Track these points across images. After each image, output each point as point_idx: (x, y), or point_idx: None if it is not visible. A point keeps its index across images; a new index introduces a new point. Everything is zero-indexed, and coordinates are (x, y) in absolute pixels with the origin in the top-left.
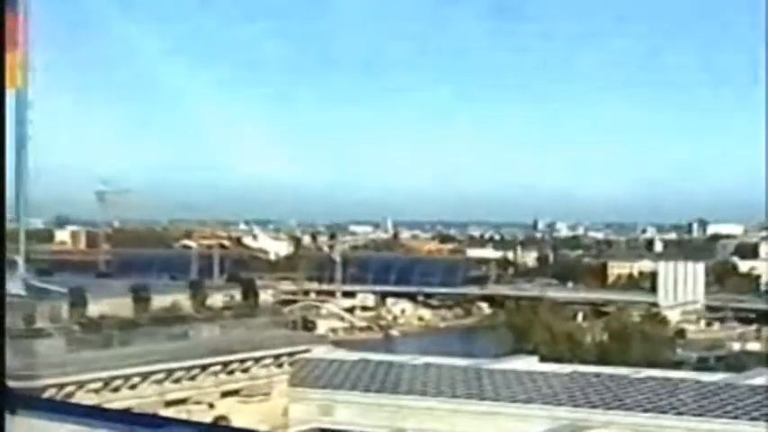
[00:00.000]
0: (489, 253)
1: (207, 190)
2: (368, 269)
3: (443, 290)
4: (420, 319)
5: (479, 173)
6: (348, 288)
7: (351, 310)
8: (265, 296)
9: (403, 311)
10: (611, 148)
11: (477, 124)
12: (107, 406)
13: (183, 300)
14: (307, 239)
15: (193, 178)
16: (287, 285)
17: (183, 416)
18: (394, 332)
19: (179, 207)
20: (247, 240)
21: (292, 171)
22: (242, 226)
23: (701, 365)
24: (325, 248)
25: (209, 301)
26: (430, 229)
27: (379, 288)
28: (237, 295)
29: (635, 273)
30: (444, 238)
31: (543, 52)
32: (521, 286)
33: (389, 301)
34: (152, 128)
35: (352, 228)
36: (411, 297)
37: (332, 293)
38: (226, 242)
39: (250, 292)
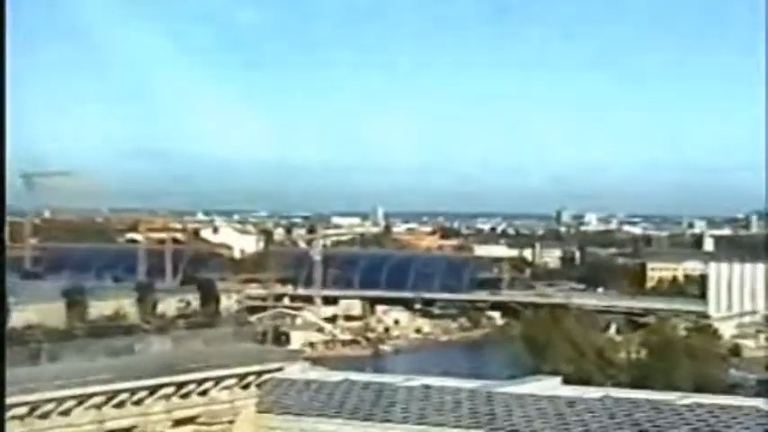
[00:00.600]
0: (502, 250)
1: (158, 173)
2: (354, 269)
3: (445, 295)
4: (417, 330)
5: (489, 154)
6: (329, 293)
7: (333, 319)
8: (228, 302)
9: (396, 322)
10: (650, 127)
11: (485, 98)
12: None
13: (129, 306)
14: (279, 233)
15: (142, 159)
16: (255, 289)
17: None
18: (385, 347)
19: (123, 193)
20: (207, 234)
21: (263, 151)
22: (200, 216)
23: (761, 390)
24: (302, 244)
25: (159, 308)
26: (429, 222)
27: (367, 293)
28: (194, 301)
29: (680, 276)
30: (447, 233)
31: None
32: (540, 291)
33: (380, 308)
34: (95, 98)
35: (335, 219)
36: (406, 304)
37: (309, 299)
38: (180, 236)
39: (210, 296)
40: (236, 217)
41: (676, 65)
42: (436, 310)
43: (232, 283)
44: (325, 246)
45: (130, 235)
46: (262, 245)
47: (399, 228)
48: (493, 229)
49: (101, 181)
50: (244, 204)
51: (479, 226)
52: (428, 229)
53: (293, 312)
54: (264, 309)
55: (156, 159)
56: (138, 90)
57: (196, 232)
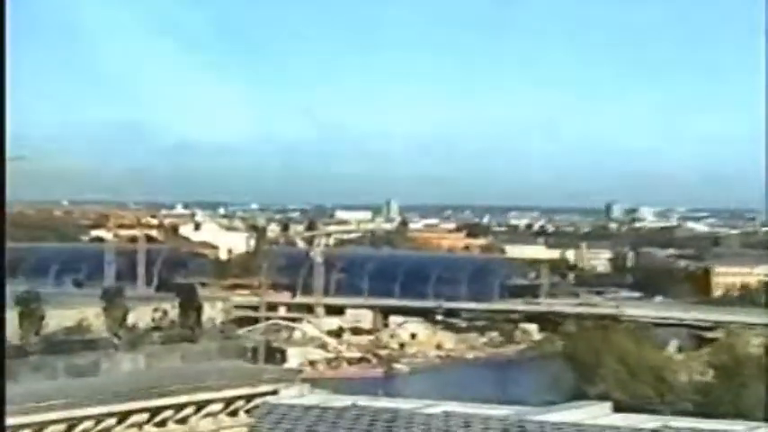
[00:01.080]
0: (540, 251)
1: (130, 158)
2: (362, 273)
3: (472, 305)
4: (438, 346)
5: (523, 137)
6: (333, 301)
7: (337, 332)
8: (212, 312)
9: (413, 336)
10: (712, 105)
11: (521, 69)
12: None
13: (93, 316)
14: (273, 229)
15: (111, 141)
16: (244, 296)
17: None
18: (400, 366)
19: (88, 182)
20: (187, 230)
21: (253, 134)
22: (179, 209)
23: None
24: (300, 243)
25: (130, 319)
26: (453, 217)
27: (378, 301)
28: (172, 310)
29: (753, 282)
30: (474, 230)
31: None
32: (586, 300)
33: (394, 320)
34: (61, 73)
35: (340, 213)
36: (425, 315)
37: (310, 309)
38: (155, 233)
39: (190, 305)
40: (221, 211)
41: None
42: (461, 323)
43: (217, 290)
44: (327, 245)
45: (96, 232)
46: (252, 244)
47: (417, 224)
48: (529, 225)
49: (61, 167)
50: (231, 196)
51: (513, 222)
52: (451, 225)
53: (290, 324)
54: (256, 320)
55: (128, 142)
56: (106, 62)
57: (174, 229)
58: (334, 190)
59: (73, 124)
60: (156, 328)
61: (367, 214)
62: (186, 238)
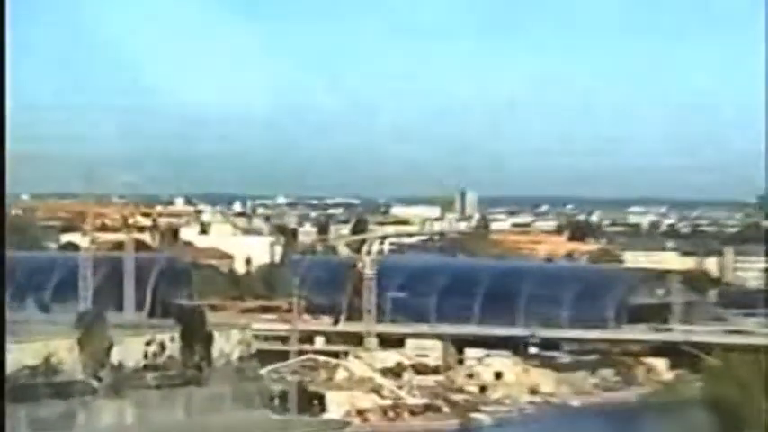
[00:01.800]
0: (670, 259)
1: (114, 134)
2: (428, 291)
3: (578, 333)
4: (532, 390)
5: (644, 105)
6: (389, 329)
7: (396, 371)
8: (226, 344)
9: (498, 375)
10: None
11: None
12: None
13: (65, 350)
14: (307, 232)
15: (90, 113)
16: (268, 322)
17: None
18: (481, 416)
19: (57, 170)
20: (190, 234)
21: (280, 104)
22: (180, 205)
23: None
24: (344, 249)
25: (115, 354)
26: (551, 213)
27: (450, 329)
28: (171, 342)
29: None
30: (580, 230)
31: None
32: (734, 325)
33: (472, 353)
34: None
35: (398, 209)
36: (514, 347)
37: (357, 339)
38: (148, 237)
39: (195, 335)
40: (237, 207)
41: None
42: (563, 358)
43: (232, 314)
44: (381, 252)
45: (68, 236)
46: (279, 251)
47: (502, 223)
48: (655, 224)
49: (21, 150)
50: (250, 186)
51: (633, 220)
52: (549, 224)
53: (331, 361)
54: (285, 355)
55: (111, 114)
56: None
57: (173, 231)
58: (388, 177)
59: (44, 89)
60: (150, 367)
61: (434, 210)
62: (190, 244)
